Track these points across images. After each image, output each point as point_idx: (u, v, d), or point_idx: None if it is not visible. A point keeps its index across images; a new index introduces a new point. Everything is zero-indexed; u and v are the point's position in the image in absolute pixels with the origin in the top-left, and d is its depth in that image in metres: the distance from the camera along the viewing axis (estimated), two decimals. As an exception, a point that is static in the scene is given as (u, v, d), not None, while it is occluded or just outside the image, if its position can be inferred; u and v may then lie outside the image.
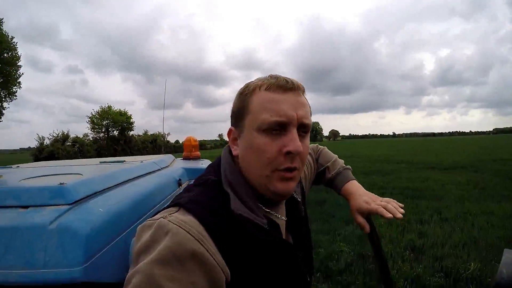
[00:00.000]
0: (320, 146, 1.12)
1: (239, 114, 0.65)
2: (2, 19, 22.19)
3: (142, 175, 1.22)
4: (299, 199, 0.76)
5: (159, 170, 1.49)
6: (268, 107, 0.59)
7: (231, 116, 0.68)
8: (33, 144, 33.77)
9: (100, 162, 1.59)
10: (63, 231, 0.59)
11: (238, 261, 0.54)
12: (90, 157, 30.77)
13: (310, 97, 0.69)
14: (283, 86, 0.61)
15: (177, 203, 0.55)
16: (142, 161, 1.50)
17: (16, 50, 23.56)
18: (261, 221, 0.59)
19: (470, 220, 5.61)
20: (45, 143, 33.49)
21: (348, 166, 1.03)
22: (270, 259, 0.60)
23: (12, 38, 23.27)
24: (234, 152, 0.66)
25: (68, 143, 34.86)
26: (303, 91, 0.65)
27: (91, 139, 39.10)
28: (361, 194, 0.89)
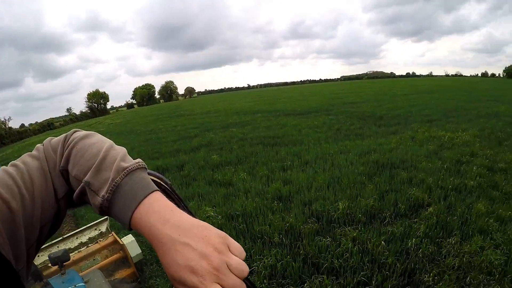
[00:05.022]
0: (78, 132, 0.53)
1: None
2: None
3: None
4: None
5: None
6: None
7: None
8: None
9: None
10: None
11: None
12: None
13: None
14: None
15: None
16: None
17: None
18: None
19: (330, 160, 5.76)
20: None
21: (138, 161, 0.47)
22: None
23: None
24: None
25: None
26: None
27: None
28: (175, 241, 0.37)
